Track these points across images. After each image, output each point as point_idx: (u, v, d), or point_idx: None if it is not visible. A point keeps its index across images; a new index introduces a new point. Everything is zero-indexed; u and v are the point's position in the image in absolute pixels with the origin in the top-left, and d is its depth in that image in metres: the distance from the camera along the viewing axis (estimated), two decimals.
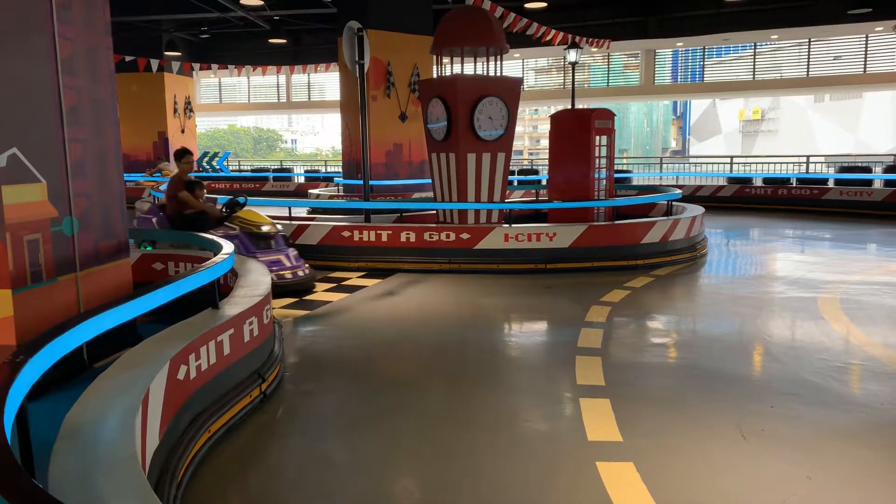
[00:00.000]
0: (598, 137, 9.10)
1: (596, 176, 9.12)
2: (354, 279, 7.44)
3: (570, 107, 14.57)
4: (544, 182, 13.66)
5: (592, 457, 2.98)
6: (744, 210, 14.44)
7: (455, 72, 8.71)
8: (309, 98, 27.79)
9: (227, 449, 3.16)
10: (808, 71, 22.21)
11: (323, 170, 23.00)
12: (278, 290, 6.07)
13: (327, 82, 26.97)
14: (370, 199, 9.29)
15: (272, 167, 24.36)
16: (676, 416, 3.50)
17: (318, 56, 20.12)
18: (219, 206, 7.05)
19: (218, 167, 21.25)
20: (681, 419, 3.46)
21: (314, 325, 5.62)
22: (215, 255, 4.22)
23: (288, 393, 3.95)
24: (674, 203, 9.87)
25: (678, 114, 39.59)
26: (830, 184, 14.65)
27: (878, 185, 14.12)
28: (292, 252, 6.88)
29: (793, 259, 9.10)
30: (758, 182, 15.86)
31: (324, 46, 19.29)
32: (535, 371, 4.52)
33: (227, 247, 4.35)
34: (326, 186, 16.94)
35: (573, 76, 16.63)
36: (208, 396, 3.23)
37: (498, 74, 8.71)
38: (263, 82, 27.67)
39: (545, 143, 34.26)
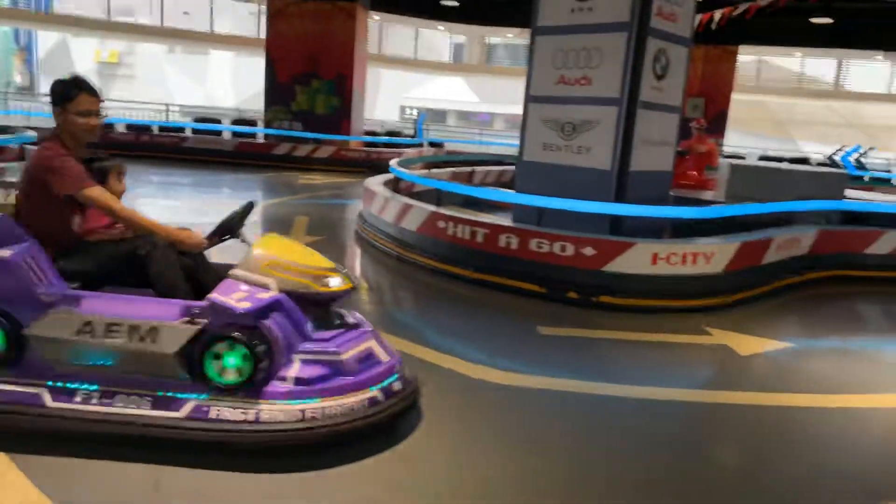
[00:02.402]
0: None
1: None
2: None
3: None
4: None
5: None
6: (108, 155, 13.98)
7: None
8: None
9: None
10: (161, 20, 22.79)
11: None
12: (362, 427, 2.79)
13: None
14: None
15: None
16: None
17: None
18: (194, 231, 2.94)
19: None
20: None
21: None
22: None
23: None
24: (27, 146, 8.72)
25: (22, 45, 34.51)
26: (189, 132, 15.68)
27: (227, 135, 15.95)
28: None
29: (159, 204, 9.45)
30: (121, 128, 15.57)
31: None
32: None
33: None
34: None
35: None
36: None
37: None
38: None
39: None
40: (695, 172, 9.34)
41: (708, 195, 8.22)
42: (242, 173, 13.26)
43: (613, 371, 4.14)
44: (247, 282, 2.78)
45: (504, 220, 6.37)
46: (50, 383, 2.68)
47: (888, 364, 4.91)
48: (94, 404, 2.66)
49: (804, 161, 16.90)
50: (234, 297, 2.71)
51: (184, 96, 29.80)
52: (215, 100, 31.55)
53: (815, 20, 15.47)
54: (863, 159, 15.90)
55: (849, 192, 8.37)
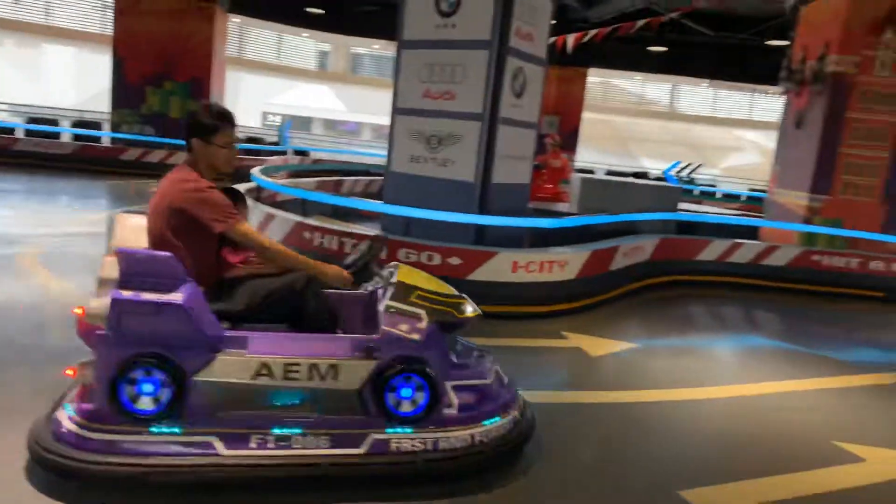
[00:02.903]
0: None
1: None
2: None
3: None
4: None
5: None
6: None
7: None
8: None
9: None
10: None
11: None
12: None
13: None
14: None
15: None
16: None
17: None
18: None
19: None
20: None
21: None
22: None
23: None
24: None
25: None
26: (20, 134, 14.11)
27: (67, 138, 14.55)
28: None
29: None
30: None
31: None
32: None
33: None
34: None
35: None
36: None
37: None
38: None
39: None
40: (550, 185, 9.92)
41: (562, 207, 8.76)
42: (85, 179, 12.15)
43: None
44: (402, 313, 2.76)
45: (372, 230, 6.38)
46: (219, 431, 2.49)
47: (718, 359, 5.51)
48: (271, 448, 2.52)
49: (644, 175, 18.55)
50: (402, 328, 2.73)
51: (13, 94, 26.75)
52: (52, 99, 28.65)
53: (652, 48, 17.07)
54: (693, 175, 17.73)
55: (682, 205, 9.31)
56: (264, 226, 6.48)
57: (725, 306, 7.31)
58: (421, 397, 2.68)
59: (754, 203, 14.89)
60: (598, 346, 5.02)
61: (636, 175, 18.14)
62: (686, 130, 30.85)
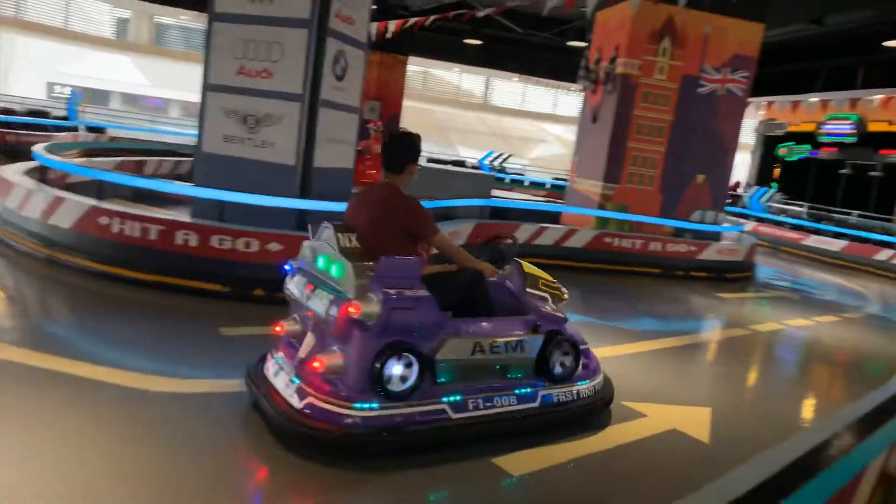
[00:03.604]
0: None
1: None
2: None
3: None
4: None
5: None
6: None
7: None
8: None
9: None
10: None
11: None
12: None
13: None
14: None
15: None
16: None
17: None
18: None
19: None
20: None
21: None
22: None
23: None
24: None
25: None
26: None
27: None
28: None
29: None
30: None
31: None
32: None
33: None
34: None
35: None
36: None
37: None
38: None
39: None
40: (374, 171, 9.98)
41: None
42: None
43: None
44: (541, 298, 3.68)
45: (181, 215, 5.94)
46: (445, 399, 3.09)
47: None
48: (483, 409, 3.18)
49: (461, 164, 19.37)
50: (548, 309, 3.60)
51: None
52: None
53: (468, 41, 17.79)
54: (504, 164, 18.90)
55: (495, 192, 9.88)
56: (51, 211, 5.73)
57: None
58: (568, 360, 3.50)
59: (557, 191, 16.27)
60: None
61: (454, 163, 18.86)
62: (498, 122, 32.66)
